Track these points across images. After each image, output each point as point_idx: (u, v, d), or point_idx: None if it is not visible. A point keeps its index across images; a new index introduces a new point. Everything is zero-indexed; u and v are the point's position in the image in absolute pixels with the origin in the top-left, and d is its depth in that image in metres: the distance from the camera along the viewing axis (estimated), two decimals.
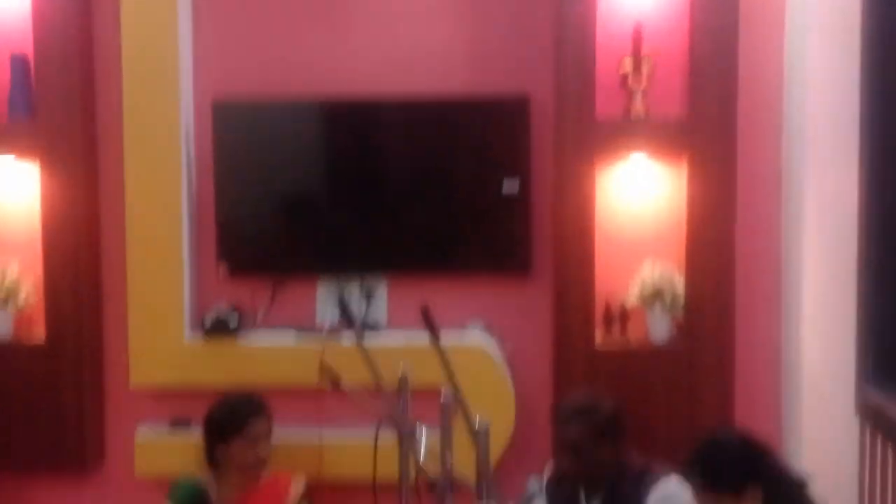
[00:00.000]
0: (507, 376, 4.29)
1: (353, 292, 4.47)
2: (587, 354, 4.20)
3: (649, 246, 4.35)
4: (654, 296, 4.20)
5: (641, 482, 3.38)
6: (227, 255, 4.50)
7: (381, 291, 4.52)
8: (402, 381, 3.08)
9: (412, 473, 3.05)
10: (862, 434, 3.44)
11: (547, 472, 3.60)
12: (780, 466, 2.85)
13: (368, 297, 4.51)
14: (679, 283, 4.22)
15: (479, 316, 4.43)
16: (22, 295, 4.46)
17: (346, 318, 2.86)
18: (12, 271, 4.47)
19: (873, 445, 3.38)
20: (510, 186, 4.35)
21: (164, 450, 4.40)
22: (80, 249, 4.44)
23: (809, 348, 3.91)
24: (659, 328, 4.24)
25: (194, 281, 4.52)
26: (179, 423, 4.42)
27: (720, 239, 4.16)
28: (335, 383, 3.15)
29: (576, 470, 3.42)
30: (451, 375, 2.34)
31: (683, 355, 4.19)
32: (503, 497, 2.44)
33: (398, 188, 4.52)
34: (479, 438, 2.37)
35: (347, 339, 4.19)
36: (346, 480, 4.17)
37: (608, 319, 4.31)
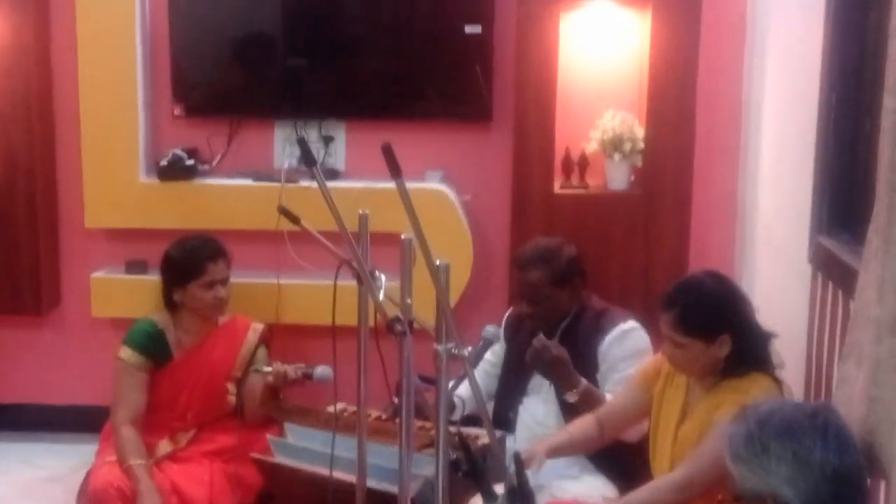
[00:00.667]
0: (466, 222, 4.30)
1: (311, 137, 4.41)
2: (546, 201, 4.22)
3: (611, 94, 4.33)
4: (614, 143, 4.19)
5: (599, 324, 3.45)
6: (182, 97, 4.41)
7: (340, 137, 4.47)
8: (362, 221, 3.06)
9: (371, 316, 3.07)
10: (814, 281, 3.49)
11: (504, 320, 3.64)
12: (752, 318, 2.84)
13: (327, 142, 4.46)
14: (639, 131, 4.21)
15: (438, 165, 4.40)
16: None
17: (306, 159, 2.80)
18: None
19: (824, 293, 3.43)
20: (472, 30, 4.26)
21: (121, 292, 4.40)
22: (32, 90, 4.35)
23: (766, 197, 3.94)
24: (618, 175, 4.25)
25: (149, 122, 4.44)
26: (135, 265, 4.40)
27: (682, 86, 4.14)
28: (294, 221, 3.12)
29: (535, 315, 3.47)
30: (411, 213, 2.32)
31: (641, 202, 4.21)
32: (461, 341, 2.45)
33: (358, 30, 4.43)
34: (439, 275, 2.37)
35: (305, 182, 4.17)
36: (305, 324, 4.20)
37: (567, 167, 4.31)
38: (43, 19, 4.38)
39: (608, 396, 3.30)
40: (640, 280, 4.15)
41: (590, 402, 3.20)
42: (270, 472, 3.57)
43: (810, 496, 1.86)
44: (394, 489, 2.82)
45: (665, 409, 2.93)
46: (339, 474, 3.16)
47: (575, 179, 4.31)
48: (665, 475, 2.75)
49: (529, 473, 2.83)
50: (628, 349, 3.41)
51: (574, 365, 3.30)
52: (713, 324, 2.74)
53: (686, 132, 4.17)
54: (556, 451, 3.03)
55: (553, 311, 3.46)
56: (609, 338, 3.42)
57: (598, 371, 3.41)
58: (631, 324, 3.44)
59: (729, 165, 4.33)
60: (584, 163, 4.30)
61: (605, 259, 4.20)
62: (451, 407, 3.51)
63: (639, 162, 4.22)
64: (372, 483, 3.01)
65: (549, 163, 4.22)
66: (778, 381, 2.78)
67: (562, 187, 4.28)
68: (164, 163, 4.32)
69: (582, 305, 3.50)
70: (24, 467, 4.22)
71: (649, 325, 3.32)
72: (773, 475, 1.89)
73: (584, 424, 3.09)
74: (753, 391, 2.68)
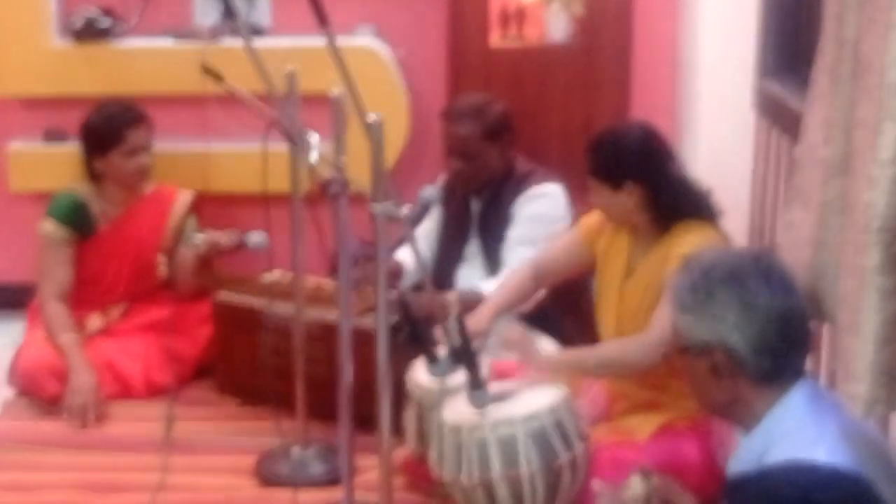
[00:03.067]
0: (400, 79, 4.14)
1: None
2: (482, 55, 4.08)
3: None
4: None
5: (520, 185, 3.42)
6: None
7: None
8: (290, 80, 2.91)
9: (304, 182, 2.95)
10: (758, 128, 3.44)
11: (441, 181, 3.55)
12: (673, 170, 2.77)
13: None
14: None
15: (370, 19, 4.21)
16: None
17: (229, 16, 2.63)
18: None
19: (769, 138, 3.39)
20: None
21: (40, 163, 4.20)
22: None
23: (709, 43, 3.85)
24: (557, 26, 4.11)
25: None
26: (54, 135, 4.19)
27: None
28: (219, 80, 2.96)
29: (464, 172, 3.41)
30: (341, 67, 2.17)
31: (581, 53, 4.09)
32: (398, 200, 2.34)
33: None
34: (373, 132, 2.24)
35: (229, 41, 3.97)
36: (235, 192, 4.06)
37: (504, 19, 4.14)
38: None
39: (509, 254, 3.32)
40: (580, 134, 4.01)
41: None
42: (225, 316, 3.54)
43: (756, 340, 1.84)
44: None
45: (609, 266, 2.89)
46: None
47: (513, 32, 4.16)
48: (637, 336, 2.68)
49: (480, 339, 2.79)
50: (537, 211, 3.40)
51: (491, 225, 3.38)
52: (617, 171, 2.71)
53: None
54: (498, 312, 2.98)
55: (482, 168, 3.42)
56: (523, 197, 3.41)
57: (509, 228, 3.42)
58: (549, 187, 3.43)
59: (670, 12, 4.21)
60: (521, 14, 4.15)
61: (545, 113, 4.10)
62: (397, 273, 3.43)
63: (579, 11, 4.07)
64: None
65: (484, 14, 4.06)
66: (718, 230, 2.72)
67: (500, 40, 4.13)
68: (78, 24, 4.07)
69: (509, 167, 3.45)
70: None
71: (580, 186, 3.22)
72: (719, 322, 1.86)
73: (519, 278, 3.05)
74: (692, 240, 2.63)
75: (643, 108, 4.13)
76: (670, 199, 2.71)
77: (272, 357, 3.25)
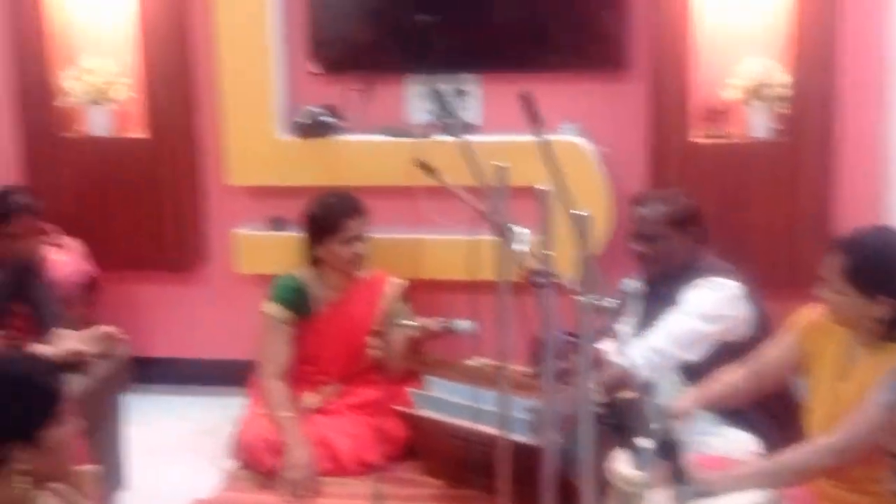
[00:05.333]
0: (602, 175, 4.24)
1: (445, 92, 4.40)
2: (683, 150, 4.14)
3: (750, 39, 4.19)
4: (755, 90, 4.08)
5: (698, 276, 3.42)
6: (318, 54, 4.46)
7: (474, 91, 4.45)
8: (501, 174, 3.05)
9: (510, 270, 3.07)
10: None
11: (643, 276, 3.60)
12: None
13: (461, 96, 4.45)
14: (781, 76, 4.08)
15: (573, 117, 4.32)
16: (118, 92, 4.50)
17: (443, 112, 2.81)
18: (109, 69, 4.49)
19: None
20: None
21: (263, 248, 4.49)
22: (172, 50, 4.46)
23: None
24: (759, 123, 4.14)
25: (286, 80, 4.51)
26: (276, 222, 4.49)
27: (826, 29, 4.00)
28: (431, 173, 3.14)
29: (646, 255, 3.47)
30: (550, 162, 2.30)
31: (783, 150, 4.10)
32: (603, 292, 2.44)
33: None
34: (580, 225, 2.35)
35: (440, 137, 4.17)
36: (443, 279, 4.23)
37: (706, 115, 4.21)
38: None
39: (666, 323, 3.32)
40: (782, 231, 4.05)
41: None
42: (413, 424, 3.64)
43: None
44: (537, 442, 2.84)
45: (822, 365, 2.85)
46: (481, 427, 3.19)
47: (714, 128, 4.21)
48: (821, 438, 2.68)
49: (680, 426, 2.81)
50: (700, 294, 3.38)
51: (660, 310, 3.38)
52: (877, 282, 2.67)
53: (831, 76, 4.04)
54: (706, 402, 2.99)
55: (665, 253, 3.45)
56: (692, 285, 3.40)
57: None
58: (723, 281, 3.40)
59: (876, 110, 4.16)
60: (723, 111, 4.20)
61: (746, 209, 4.12)
62: (599, 363, 3.48)
63: (781, 109, 4.09)
64: (515, 436, 3.03)
65: (685, 112, 4.14)
66: None
67: (700, 137, 4.19)
68: (302, 120, 4.38)
69: (694, 258, 3.47)
70: (174, 420, 4.38)
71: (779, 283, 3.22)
72: None
73: (734, 376, 3.04)
74: None
75: (846, 205, 4.09)
76: None
77: (475, 448, 3.32)
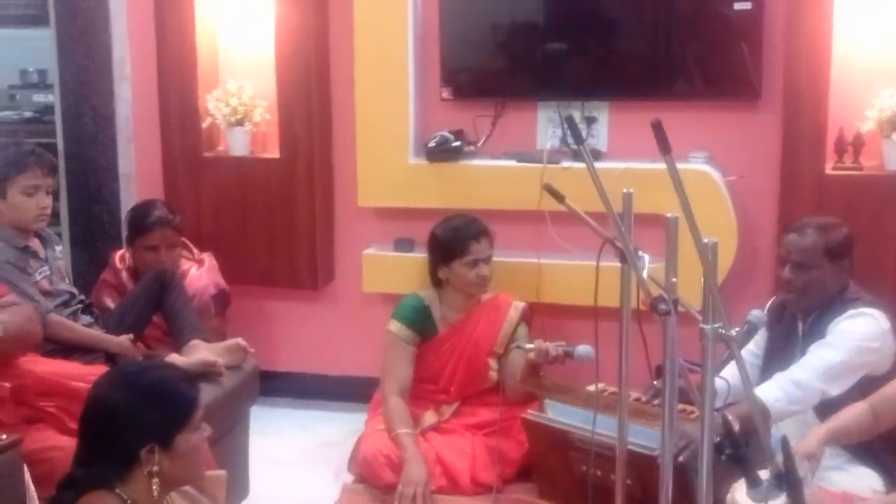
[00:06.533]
0: (731, 204, 4.20)
1: (575, 118, 4.43)
2: (817, 182, 4.08)
3: (888, 71, 4.10)
4: (892, 121, 3.99)
5: (845, 308, 3.34)
6: (449, 81, 4.54)
7: (603, 118, 4.47)
8: (627, 199, 3.06)
9: (634, 296, 3.06)
10: None
11: (767, 307, 3.55)
12: None
13: (589, 122, 4.47)
14: None
15: (702, 146, 4.31)
16: (257, 114, 4.65)
17: (574, 137, 2.82)
18: (248, 93, 4.66)
19: None
20: (742, 5, 4.16)
21: (390, 269, 4.59)
22: (311, 73, 4.61)
23: None
24: (895, 156, 4.04)
25: (418, 106, 4.60)
26: (403, 243, 4.57)
27: None
28: (559, 199, 3.16)
29: (795, 283, 3.38)
30: (679, 188, 2.30)
31: None
32: (728, 322, 2.42)
33: (619, 10, 4.42)
34: (707, 253, 2.34)
35: (567, 163, 4.20)
36: (564, 304, 4.24)
37: (841, 147, 4.13)
38: (323, 9, 4.64)
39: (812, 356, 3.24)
40: None
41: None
42: (536, 434, 3.65)
43: None
44: (655, 451, 2.82)
45: None
46: (604, 438, 3.20)
47: (848, 160, 4.13)
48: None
49: (808, 464, 2.76)
50: (850, 326, 3.28)
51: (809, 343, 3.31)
52: None
53: None
54: (833, 438, 2.94)
55: (815, 286, 3.36)
56: (842, 316, 3.31)
57: None
58: (871, 310, 3.30)
59: None
60: (858, 143, 4.11)
61: (881, 243, 4.02)
62: (717, 392, 3.44)
63: None
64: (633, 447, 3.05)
65: (820, 143, 4.07)
66: None
67: (834, 168, 4.11)
68: (431, 144, 4.46)
69: (840, 293, 3.38)
70: (300, 432, 4.48)
71: None
72: None
73: (857, 411, 2.98)
74: None
75: None
76: None
77: (589, 472, 3.32)
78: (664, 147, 2.29)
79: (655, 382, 2.82)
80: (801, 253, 3.37)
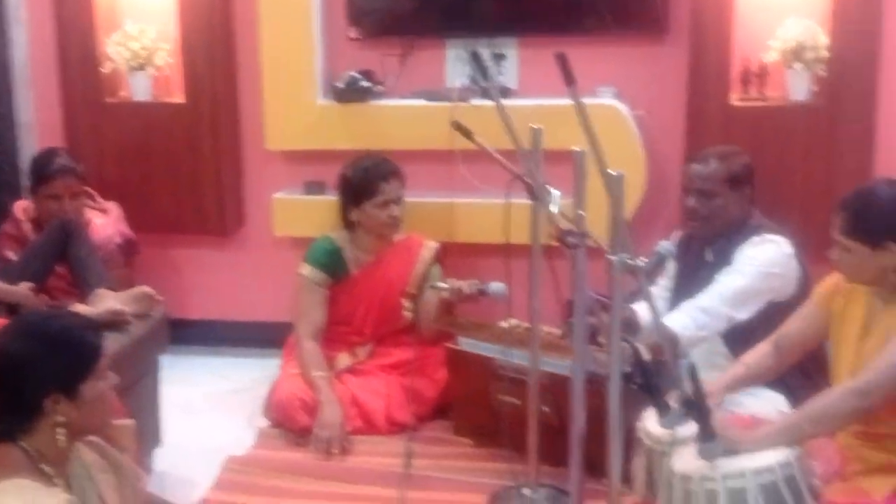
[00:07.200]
0: (639, 138, 4.23)
1: (484, 55, 4.39)
2: (722, 113, 4.12)
3: (791, 1, 4.14)
4: (795, 52, 4.04)
5: (750, 236, 3.40)
6: (356, 19, 4.48)
7: (512, 55, 4.44)
8: (535, 136, 3.06)
9: (543, 234, 3.08)
10: None
11: (675, 239, 3.59)
12: None
13: (498, 60, 4.44)
14: (821, 38, 4.03)
15: (610, 81, 4.32)
16: (159, 58, 4.54)
17: (480, 73, 2.81)
18: (149, 36, 4.53)
19: None
20: None
21: (300, 212, 4.53)
22: (214, 14, 4.49)
23: None
24: (799, 86, 4.10)
25: (325, 46, 4.52)
26: (314, 186, 4.52)
27: None
28: (467, 136, 3.15)
29: (699, 211, 3.43)
30: (584, 122, 2.30)
31: (823, 113, 4.06)
32: (634, 252, 2.44)
33: None
34: (613, 186, 2.35)
35: (478, 101, 4.17)
36: (477, 243, 4.24)
37: (745, 78, 4.17)
38: None
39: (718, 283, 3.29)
40: (820, 195, 4.00)
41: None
42: (459, 363, 3.71)
43: None
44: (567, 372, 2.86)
45: (846, 325, 2.85)
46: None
47: (753, 91, 4.18)
48: (843, 383, 2.68)
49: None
50: (754, 253, 3.35)
51: (707, 271, 3.37)
52: (879, 229, 2.67)
53: (871, 39, 3.99)
54: (734, 386, 3.00)
55: (718, 213, 3.43)
56: (747, 243, 3.38)
57: None
58: (775, 238, 3.38)
59: None
60: (762, 74, 4.16)
61: (785, 173, 4.09)
62: (632, 324, 3.47)
63: (821, 71, 4.05)
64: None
65: (725, 75, 4.12)
66: None
67: (739, 100, 4.16)
68: (340, 85, 4.39)
69: (744, 221, 3.44)
70: (212, 379, 4.44)
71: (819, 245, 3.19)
72: None
73: (760, 354, 3.03)
74: None
75: (887, 169, 4.03)
76: None
77: (506, 402, 3.37)
78: (568, 79, 2.29)
79: (571, 320, 2.83)
80: (703, 181, 3.43)
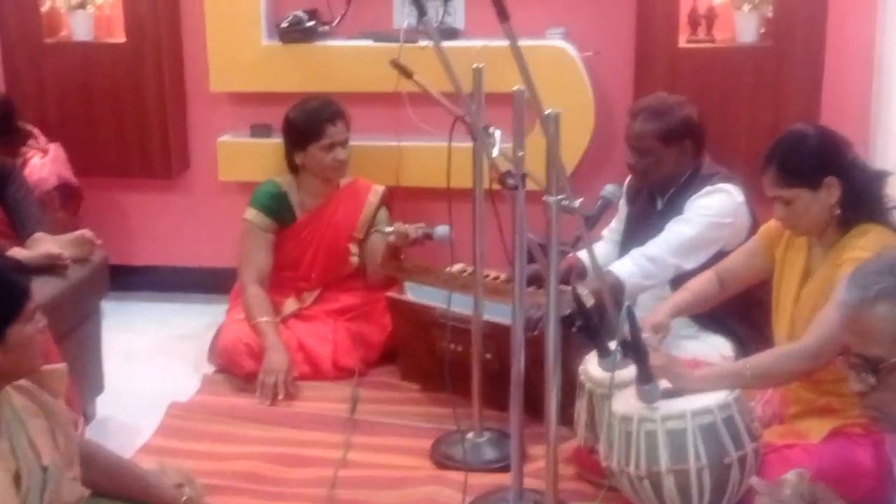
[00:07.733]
0: (587, 80, 4.19)
1: None
2: (670, 55, 4.09)
3: None
4: None
5: (701, 185, 3.38)
6: None
7: None
8: (477, 77, 3.01)
9: (485, 177, 3.05)
10: None
11: (626, 183, 3.57)
12: (859, 160, 2.75)
13: (445, 0, 4.37)
14: None
15: (559, 23, 4.26)
16: None
17: (418, 9, 2.75)
18: None
19: None
20: None
21: (246, 155, 4.46)
22: None
23: None
24: (747, 27, 4.08)
25: None
26: (260, 129, 4.44)
27: None
28: (407, 76, 3.10)
29: (638, 167, 3.42)
30: (520, 62, 2.26)
31: (771, 55, 4.05)
32: (572, 193, 2.41)
33: None
34: (549, 125, 2.31)
35: (426, 42, 4.11)
36: (423, 187, 4.20)
37: (693, 20, 4.14)
38: None
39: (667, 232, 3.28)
40: (768, 137, 3.91)
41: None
42: (400, 312, 3.68)
43: None
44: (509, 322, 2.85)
45: (787, 271, 2.86)
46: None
47: (702, 33, 4.15)
48: (793, 344, 2.67)
49: (657, 338, 2.81)
50: (706, 202, 3.33)
51: (666, 219, 3.35)
52: (815, 167, 2.67)
53: None
54: (677, 312, 2.99)
55: (653, 169, 3.39)
56: (698, 193, 3.35)
57: None
58: (726, 186, 3.35)
59: (864, 12, 4.10)
60: (711, 15, 4.13)
61: (733, 115, 4.08)
62: (575, 269, 3.44)
63: (769, 13, 4.03)
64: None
65: (673, 16, 4.08)
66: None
67: (688, 41, 4.14)
68: (284, 25, 4.31)
69: (694, 170, 3.41)
70: (157, 326, 4.38)
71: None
72: None
73: (704, 281, 3.04)
74: (871, 245, 2.58)
75: (834, 112, 4.04)
76: (863, 189, 2.67)
77: (448, 350, 3.35)
78: (502, 15, 2.23)
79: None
80: (636, 139, 3.40)
